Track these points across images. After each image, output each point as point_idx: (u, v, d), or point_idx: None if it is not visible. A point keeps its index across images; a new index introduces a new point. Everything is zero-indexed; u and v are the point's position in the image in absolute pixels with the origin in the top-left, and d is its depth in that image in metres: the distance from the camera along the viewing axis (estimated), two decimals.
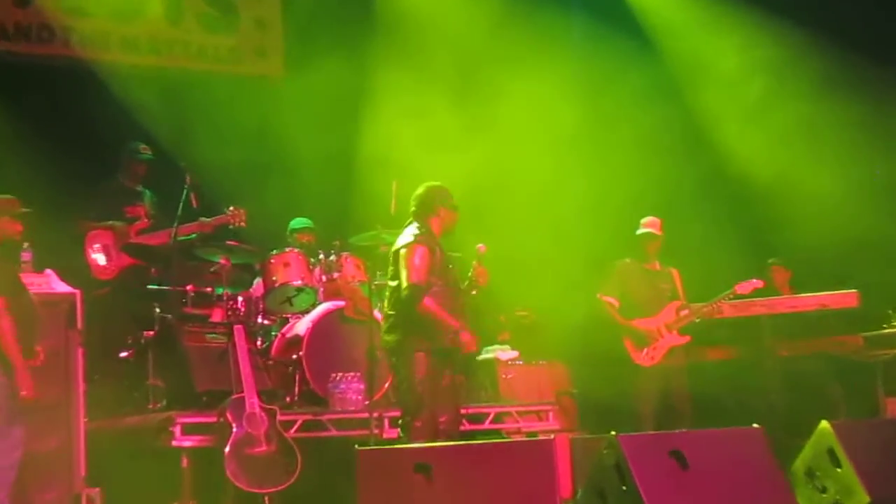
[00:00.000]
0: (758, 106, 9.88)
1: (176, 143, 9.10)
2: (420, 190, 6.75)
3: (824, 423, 6.09)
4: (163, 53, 9.88)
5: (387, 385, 7.44)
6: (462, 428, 7.19)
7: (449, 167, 8.30)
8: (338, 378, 7.61)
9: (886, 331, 8.68)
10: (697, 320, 8.24)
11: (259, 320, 8.23)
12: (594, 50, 10.10)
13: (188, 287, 8.16)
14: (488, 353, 9.09)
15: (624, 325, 8.20)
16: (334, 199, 9.62)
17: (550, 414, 8.37)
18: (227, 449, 6.72)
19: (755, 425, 5.95)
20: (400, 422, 6.62)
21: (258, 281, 8.43)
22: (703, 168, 10.04)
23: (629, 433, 5.76)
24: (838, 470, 5.94)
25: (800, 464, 6.18)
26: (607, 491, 5.49)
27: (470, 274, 6.71)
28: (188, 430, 6.99)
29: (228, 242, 7.94)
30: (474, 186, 8.74)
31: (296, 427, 7.27)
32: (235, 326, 7.22)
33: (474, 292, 6.78)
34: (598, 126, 9.92)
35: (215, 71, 10.12)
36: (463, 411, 7.16)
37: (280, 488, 6.81)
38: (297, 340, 7.93)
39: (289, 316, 8.31)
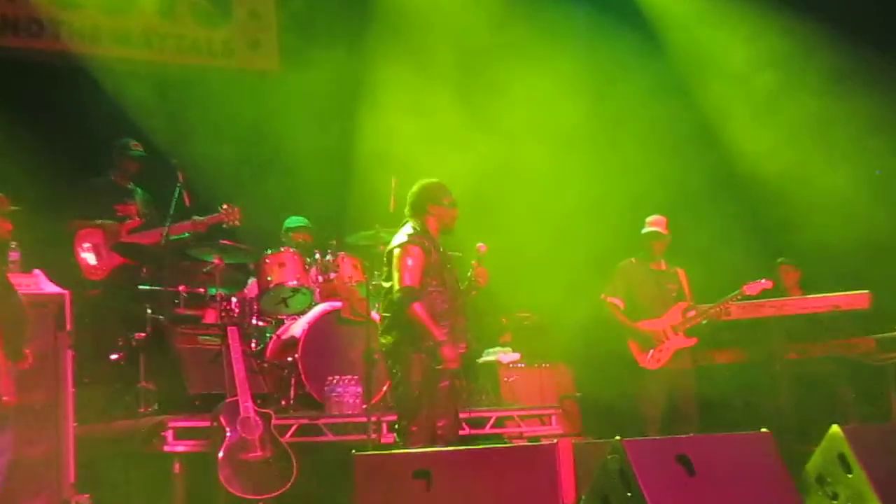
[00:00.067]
0: (767, 101, 9.87)
1: (169, 140, 9.10)
2: (415, 187, 6.73)
3: (835, 428, 6.07)
4: (155, 47, 9.88)
5: (385, 388, 7.43)
6: (462, 432, 7.19)
7: (450, 164, 8.31)
8: (334, 381, 7.61)
9: None
10: (704, 322, 8.23)
11: (253, 322, 8.23)
12: (598, 44, 10.11)
13: (181, 287, 8.17)
14: (489, 356, 9.09)
15: (629, 327, 8.20)
16: (331, 197, 9.63)
17: (553, 418, 8.37)
18: (220, 454, 6.71)
19: (764, 430, 5.95)
20: (396, 426, 6.60)
21: (252, 281, 8.42)
22: (711, 165, 10.04)
23: (634, 438, 5.75)
24: (849, 476, 5.92)
25: (810, 470, 6.16)
26: (612, 497, 5.48)
27: (469, 274, 6.69)
28: (180, 435, 6.98)
29: (222, 242, 7.94)
30: (476, 184, 8.74)
31: (291, 432, 7.26)
32: (229, 328, 7.21)
33: (474, 293, 6.76)
34: (602, 122, 9.92)
35: (209, 65, 10.12)
36: (463, 415, 7.15)
37: (275, 495, 6.80)
38: (292, 342, 7.92)
39: (284, 317, 8.30)
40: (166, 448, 6.93)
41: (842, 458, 5.96)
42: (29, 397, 6.08)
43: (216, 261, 7.79)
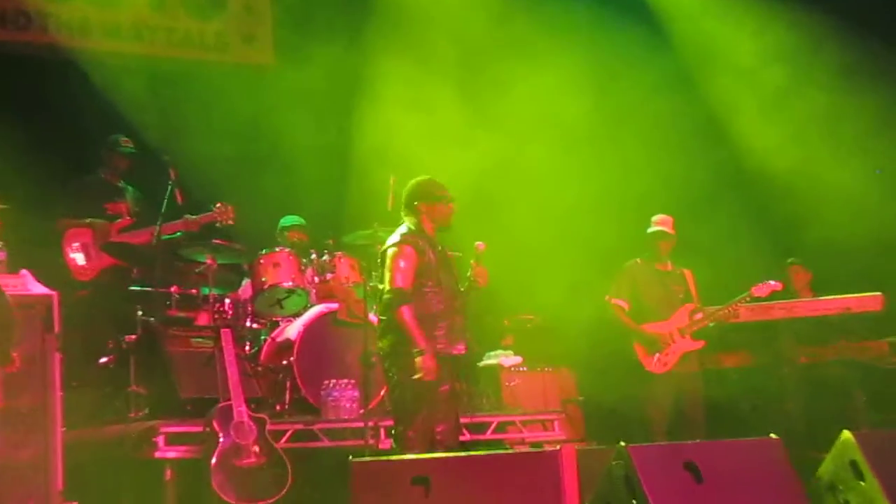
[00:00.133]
0: (775, 96, 9.87)
1: (160, 136, 9.10)
2: (407, 186, 6.73)
3: (847, 434, 6.06)
4: (146, 40, 9.88)
5: (382, 393, 7.42)
6: (462, 438, 7.18)
7: (450, 162, 8.31)
8: (331, 385, 7.60)
9: None
10: (712, 324, 8.23)
11: (247, 324, 8.23)
12: (602, 38, 10.09)
13: (172, 288, 8.16)
14: (491, 359, 9.09)
15: (634, 330, 8.19)
16: (328, 196, 9.63)
17: (556, 423, 8.36)
18: (213, 460, 6.69)
19: (773, 436, 5.93)
20: (392, 431, 6.59)
21: (247, 282, 8.42)
22: (718, 162, 10.04)
23: (640, 444, 5.73)
24: (862, 483, 5.91)
25: (821, 477, 6.15)
26: None
27: (468, 274, 6.68)
28: (172, 441, 6.96)
29: (215, 241, 7.92)
30: (476, 182, 8.75)
31: (286, 437, 7.25)
32: (222, 330, 7.19)
33: (475, 292, 6.74)
34: (606, 118, 9.91)
35: (202, 59, 10.11)
36: (463, 420, 7.14)
37: (270, 502, 6.78)
38: (287, 345, 7.91)
39: (279, 319, 8.30)
40: (157, 454, 6.91)
41: (854, 464, 5.94)
42: (16, 401, 6.07)
43: (209, 261, 7.78)
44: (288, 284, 8.12)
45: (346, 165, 9.72)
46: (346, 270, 8.28)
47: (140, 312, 7.85)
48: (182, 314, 8.16)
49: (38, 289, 6.69)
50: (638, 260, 8.43)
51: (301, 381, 7.73)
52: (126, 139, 8.68)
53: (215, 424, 6.81)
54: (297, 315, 8.17)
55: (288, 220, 8.87)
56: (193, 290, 8.14)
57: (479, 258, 6.70)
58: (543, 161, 9.74)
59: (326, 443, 7.40)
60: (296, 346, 7.78)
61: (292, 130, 9.48)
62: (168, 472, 6.91)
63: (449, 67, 9.73)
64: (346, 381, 7.62)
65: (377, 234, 7.75)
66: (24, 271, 6.73)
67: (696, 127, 10.15)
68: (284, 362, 7.85)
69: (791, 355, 8.67)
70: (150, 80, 9.46)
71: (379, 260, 6.66)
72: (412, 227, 6.62)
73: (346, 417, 7.50)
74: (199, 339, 7.69)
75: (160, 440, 6.91)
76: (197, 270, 7.93)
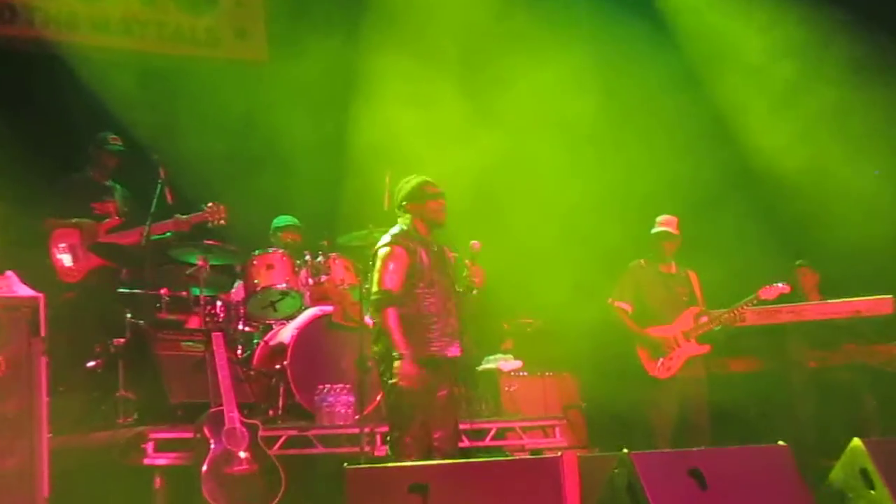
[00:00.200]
0: (784, 93, 9.88)
1: (150, 134, 9.09)
2: (397, 187, 6.78)
3: (857, 441, 6.06)
4: (135, 34, 9.88)
5: (378, 398, 7.42)
6: (461, 445, 7.17)
7: (449, 160, 8.32)
8: (325, 390, 7.60)
9: None
10: (718, 328, 8.23)
11: (240, 327, 8.23)
12: (607, 33, 10.10)
13: (162, 290, 8.16)
14: (490, 363, 9.08)
15: (637, 333, 8.20)
16: (323, 195, 9.63)
17: (557, 429, 8.37)
18: (204, 467, 6.69)
19: (781, 442, 5.93)
20: (388, 438, 6.60)
21: (239, 284, 8.42)
22: (725, 161, 10.04)
23: (643, 451, 5.74)
24: (872, 492, 5.91)
25: (830, 485, 6.16)
26: None
27: (465, 274, 6.69)
28: (162, 447, 6.96)
29: (206, 242, 7.91)
30: (476, 180, 8.76)
31: (279, 444, 7.25)
32: (214, 333, 7.21)
33: (474, 292, 6.74)
34: (610, 116, 9.92)
35: (193, 55, 10.11)
36: (462, 426, 7.14)
37: None
38: (281, 349, 7.91)
39: (272, 322, 8.30)
40: (146, 461, 6.91)
41: (864, 473, 5.95)
42: (1, 406, 6.06)
43: (200, 262, 7.77)
44: (281, 286, 8.13)
45: (341, 164, 9.73)
46: (342, 272, 8.28)
47: (129, 315, 7.84)
48: (172, 317, 8.15)
49: (24, 291, 6.68)
50: (641, 261, 8.44)
51: (295, 385, 7.73)
52: (115, 137, 8.68)
53: (206, 430, 6.81)
54: (291, 318, 8.18)
55: (281, 221, 8.87)
56: (184, 292, 8.12)
57: (474, 257, 6.72)
58: (545, 159, 9.75)
59: (321, 449, 7.40)
60: (289, 350, 7.78)
61: (286, 128, 9.49)
62: (157, 480, 6.91)
63: (449, 62, 9.73)
64: (341, 385, 7.62)
65: (373, 234, 7.74)
66: (9, 273, 6.72)
67: (703, 125, 10.16)
68: (278, 366, 7.84)
69: (799, 360, 8.68)
70: (140, 76, 9.46)
71: (371, 262, 6.68)
72: (404, 228, 6.65)
73: (341, 423, 7.50)
74: (190, 343, 7.69)
75: (149, 447, 6.91)
76: (188, 272, 7.91)
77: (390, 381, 6.45)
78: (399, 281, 6.47)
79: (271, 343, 8.08)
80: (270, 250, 8.29)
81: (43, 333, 6.54)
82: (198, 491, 6.64)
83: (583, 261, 9.18)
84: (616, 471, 5.51)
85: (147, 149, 8.62)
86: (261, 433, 6.96)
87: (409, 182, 6.72)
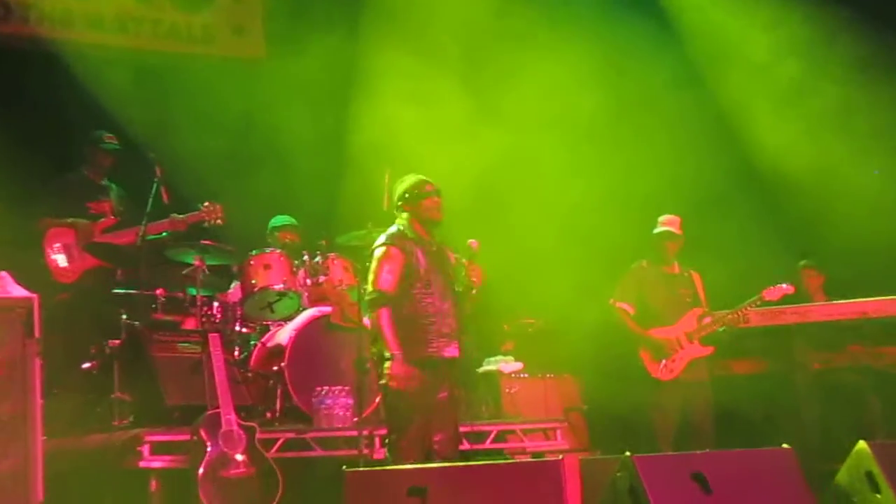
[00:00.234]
0: (789, 91, 9.88)
1: (146, 132, 9.09)
2: (393, 188, 6.80)
3: (862, 444, 6.07)
4: (131, 32, 9.87)
5: (377, 400, 7.41)
6: (461, 447, 7.17)
7: (450, 158, 8.32)
8: (323, 392, 7.59)
9: None
10: (721, 329, 8.22)
11: (236, 328, 8.23)
12: (610, 30, 10.09)
13: (158, 291, 8.14)
14: (490, 365, 9.08)
15: (640, 335, 8.19)
16: (321, 194, 9.63)
17: (558, 432, 8.35)
18: (200, 470, 6.68)
19: (785, 445, 5.94)
20: (386, 441, 6.59)
21: (236, 284, 8.42)
22: (729, 160, 10.04)
23: (646, 454, 5.74)
24: (878, 496, 5.92)
25: (835, 488, 6.16)
26: None
27: (463, 274, 6.69)
28: (157, 450, 6.95)
29: (203, 242, 7.92)
30: (478, 179, 8.76)
31: (277, 446, 7.24)
32: (210, 335, 7.20)
33: (473, 292, 6.74)
34: (613, 114, 9.92)
35: (190, 53, 10.11)
36: (462, 429, 7.13)
37: None
38: (278, 350, 7.91)
39: (269, 323, 8.30)
40: (142, 464, 6.89)
41: (869, 476, 5.96)
42: None
43: (196, 262, 7.77)
44: (279, 287, 8.12)
45: (340, 163, 9.73)
46: (340, 272, 8.28)
47: (124, 316, 7.84)
48: (168, 318, 8.15)
49: (18, 291, 6.68)
50: (644, 262, 8.43)
51: (293, 387, 7.72)
52: (110, 135, 8.67)
53: (203, 433, 6.80)
54: (289, 319, 8.17)
55: (279, 220, 8.87)
56: (180, 293, 8.13)
57: (472, 257, 6.72)
58: (547, 158, 9.74)
59: (319, 452, 7.40)
60: (287, 352, 7.78)
61: (284, 126, 9.49)
62: (153, 483, 6.89)
63: (449, 60, 9.73)
64: (339, 387, 7.62)
65: (372, 234, 7.72)
66: (3, 273, 6.73)
67: (706, 123, 10.15)
68: (275, 368, 7.84)
69: (804, 362, 8.67)
70: (136, 74, 9.46)
71: (368, 262, 6.68)
72: (401, 228, 6.67)
73: (339, 426, 7.49)
74: (186, 344, 7.69)
75: (145, 449, 6.90)
76: (184, 272, 7.92)
77: (380, 382, 6.48)
78: (394, 282, 6.48)
79: (269, 344, 8.07)
80: (268, 250, 8.29)
81: (37, 335, 6.54)
82: (194, 494, 6.63)
83: (584, 261, 9.18)
84: (618, 474, 5.52)
85: (143, 147, 8.61)
86: (258, 436, 6.95)
87: (405, 181, 6.75)
